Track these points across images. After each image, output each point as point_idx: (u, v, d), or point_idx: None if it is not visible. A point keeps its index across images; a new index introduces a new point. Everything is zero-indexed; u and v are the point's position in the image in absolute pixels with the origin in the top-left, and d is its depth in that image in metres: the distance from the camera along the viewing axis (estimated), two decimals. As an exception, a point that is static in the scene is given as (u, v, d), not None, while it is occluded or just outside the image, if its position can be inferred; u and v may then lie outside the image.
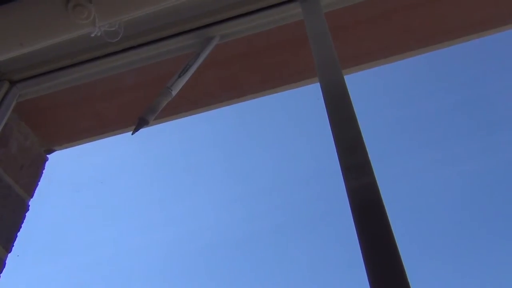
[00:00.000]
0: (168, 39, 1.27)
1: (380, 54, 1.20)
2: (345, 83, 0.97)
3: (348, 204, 0.77)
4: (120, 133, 1.46)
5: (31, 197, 1.41)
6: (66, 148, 1.57)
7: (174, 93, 1.20)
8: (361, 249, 0.71)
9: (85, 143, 1.53)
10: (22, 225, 1.33)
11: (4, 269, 1.22)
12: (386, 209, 0.74)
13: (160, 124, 1.41)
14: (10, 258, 1.24)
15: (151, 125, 1.31)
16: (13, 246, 1.27)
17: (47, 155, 1.55)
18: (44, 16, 1.08)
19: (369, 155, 0.82)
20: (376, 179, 0.78)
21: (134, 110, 1.33)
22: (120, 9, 1.08)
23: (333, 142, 0.88)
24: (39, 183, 1.48)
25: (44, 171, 1.52)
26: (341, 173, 0.82)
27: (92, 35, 1.10)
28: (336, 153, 0.85)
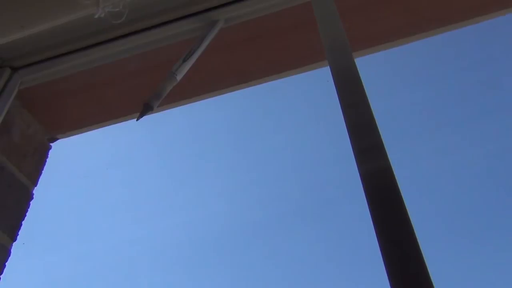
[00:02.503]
0: (172, 23, 1.24)
1: (391, 36, 1.17)
2: (356, 66, 0.95)
3: (362, 189, 0.75)
4: (125, 120, 1.44)
5: (35, 186, 1.39)
6: (69, 136, 1.55)
7: (179, 77, 1.18)
8: (376, 235, 0.69)
9: (89, 131, 1.51)
10: (27, 214, 1.32)
11: (10, 258, 1.21)
12: (402, 194, 0.72)
13: (166, 111, 1.38)
14: (15, 247, 1.23)
15: (156, 112, 1.29)
16: (17, 234, 1.26)
17: (51, 144, 1.53)
18: (46, -3, 1.05)
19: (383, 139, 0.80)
20: (391, 162, 0.76)
21: (138, 96, 1.30)
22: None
23: (345, 126, 0.86)
24: (43, 171, 1.46)
25: (47, 160, 1.50)
26: (353, 157, 0.80)
27: (96, 16, 1.07)
28: (348, 137, 0.83)
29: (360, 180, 0.76)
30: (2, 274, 1.18)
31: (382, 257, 0.67)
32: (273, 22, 1.25)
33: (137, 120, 1.12)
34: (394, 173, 0.75)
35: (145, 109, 1.11)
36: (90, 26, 1.22)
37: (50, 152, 1.53)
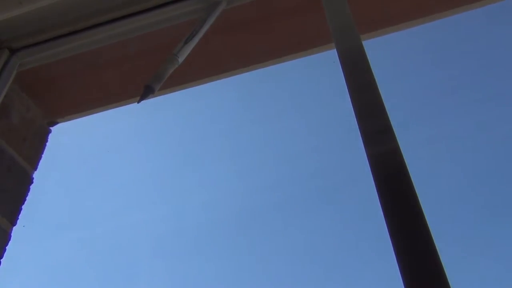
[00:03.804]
0: (173, 3, 1.22)
1: (399, 18, 1.15)
2: (363, 48, 0.92)
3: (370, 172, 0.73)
4: (125, 104, 1.42)
5: (35, 170, 1.38)
6: (69, 120, 1.53)
7: (180, 60, 1.15)
8: (385, 218, 0.68)
9: (89, 114, 1.49)
10: (27, 198, 1.30)
11: (10, 242, 1.19)
12: (411, 176, 0.70)
13: (167, 95, 1.36)
14: (15, 231, 1.22)
15: (158, 95, 1.26)
16: (17, 219, 1.24)
17: (50, 128, 1.51)
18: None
19: (391, 122, 0.78)
20: (399, 145, 0.75)
21: (139, 79, 1.28)
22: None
23: (352, 108, 0.84)
24: (43, 155, 1.45)
25: (47, 144, 1.48)
26: (361, 140, 0.79)
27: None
28: (355, 120, 0.82)
29: (368, 163, 0.75)
30: (2, 258, 1.17)
31: (391, 240, 0.66)
32: (277, 4, 1.22)
33: (138, 102, 1.10)
34: (403, 155, 0.73)
35: (146, 92, 1.08)
36: (90, 7, 1.19)
37: (50, 136, 1.51)
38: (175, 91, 1.41)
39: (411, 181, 0.70)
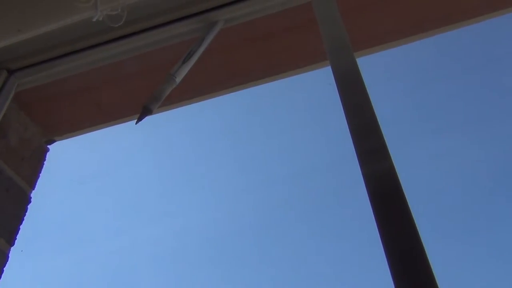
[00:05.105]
0: (171, 24, 1.23)
1: (393, 35, 1.16)
2: (357, 67, 0.94)
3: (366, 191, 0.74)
4: (123, 122, 1.43)
5: (33, 189, 1.38)
6: (67, 138, 1.53)
7: (178, 80, 1.16)
8: (380, 237, 0.68)
9: (86, 133, 1.50)
10: (24, 218, 1.30)
11: (7, 263, 1.19)
12: (406, 196, 0.71)
13: (165, 112, 1.37)
14: (13, 252, 1.21)
15: (155, 113, 1.27)
16: (15, 239, 1.24)
17: (48, 146, 1.51)
18: (44, 0, 1.04)
19: (386, 140, 0.79)
20: (394, 164, 0.75)
21: (137, 98, 1.29)
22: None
23: (347, 127, 0.85)
24: (40, 174, 1.45)
25: (45, 162, 1.49)
26: (356, 160, 0.79)
27: (94, 19, 1.05)
28: (351, 139, 0.82)
29: (363, 182, 0.76)
30: (0, 279, 1.16)
31: (386, 258, 0.66)
32: (273, 23, 1.24)
33: (136, 123, 1.10)
34: (398, 174, 0.74)
35: (144, 112, 1.09)
36: (88, 28, 1.20)
37: (48, 155, 1.51)
38: (173, 108, 1.42)
39: (405, 198, 0.70)
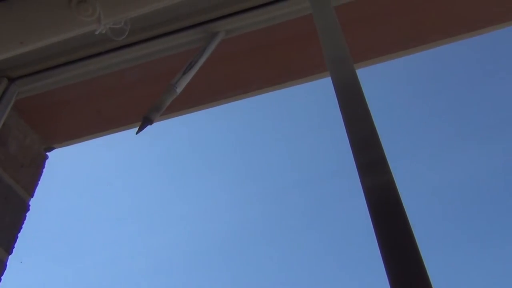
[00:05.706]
0: (172, 34, 1.24)
1: (394, 47, 1.17)
2: (357, 78, 0.94)
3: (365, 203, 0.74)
4: (123, 130, 1.43)
5: (32, 197, 1.37)
6: (66, 145, 1.53)
7: (179, 90, 1.17)
8: (380, 249, 0.68)
9: (86, 140, 1.50)
10: (23, 226, 1.30)
11: (5, 271, 1.18)
12: (405, 209, 0.71)
13: (166, 120, 1.37)
14: (11, 260, 1.21)
15: (155, 122, 1.27)
16: (13, 247, 1.24)
17: (47, 153, 1.51)
18: (46, 13, 1.04)
19: (385, 152, 0.79)
20: (394, 177, 0.76)
21: (137, 108, 1.29)
22: (127, 5, 1.04)
23: (347, 139, 0.85)
24: (39, 182, 1.45)
25: (44, 170, 1.49)
26: (356, 172, 0.79)
27: (97, 32, 1.06)
28: (350, 151, 0.83)
29: (363, 194, 0.76)
30: (-3, 287, 1.16)
31: (386, 271, 0.66)
32: (274, 34, 1.25)
33: (136, 133, 1.11)
34: (397, 187, 0.74)
35: (144, 123, 1.09)
36: (89, 37, 1.21)
37: (47, 162, 1.51)
38: (173, 117, 1.42)
39: (404, 212, 0.71)
